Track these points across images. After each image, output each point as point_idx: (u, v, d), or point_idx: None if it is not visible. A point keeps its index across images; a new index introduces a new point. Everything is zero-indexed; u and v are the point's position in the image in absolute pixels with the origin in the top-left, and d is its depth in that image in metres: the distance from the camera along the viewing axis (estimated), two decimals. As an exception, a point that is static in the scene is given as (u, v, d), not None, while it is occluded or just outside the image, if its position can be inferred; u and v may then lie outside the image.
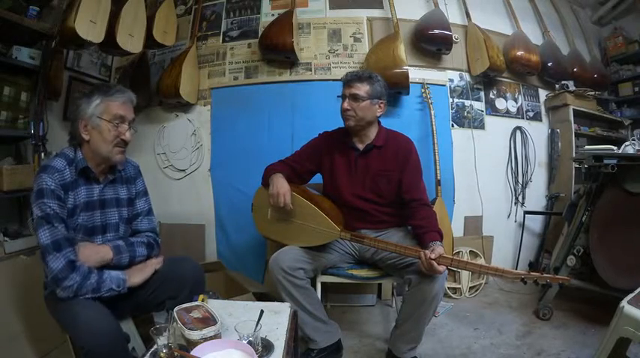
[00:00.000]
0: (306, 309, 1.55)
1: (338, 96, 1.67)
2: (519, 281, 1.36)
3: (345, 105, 1.60)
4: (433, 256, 1.34)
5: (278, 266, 1.51)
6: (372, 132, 1.68)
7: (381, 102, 1.64)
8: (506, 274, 1.34)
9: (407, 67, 2.32)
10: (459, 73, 2.67)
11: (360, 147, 1.68)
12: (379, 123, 1.72)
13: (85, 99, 1.21)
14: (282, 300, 1.51)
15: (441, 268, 1.35)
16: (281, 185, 1.58)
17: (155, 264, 1.32)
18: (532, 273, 1.32)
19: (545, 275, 1.32)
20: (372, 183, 1.65)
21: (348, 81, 1.62)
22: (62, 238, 1.11)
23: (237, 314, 1.21)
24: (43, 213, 1.11)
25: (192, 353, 0.90)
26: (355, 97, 1.58)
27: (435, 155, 2.37)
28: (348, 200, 1.67)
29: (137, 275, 1.25)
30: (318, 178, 1.84)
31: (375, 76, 1.64)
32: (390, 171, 1.64)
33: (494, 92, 2.77)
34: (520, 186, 2.77)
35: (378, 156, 1.66)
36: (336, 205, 1.69)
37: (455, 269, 1.86)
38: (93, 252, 1.19)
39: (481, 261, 2.48)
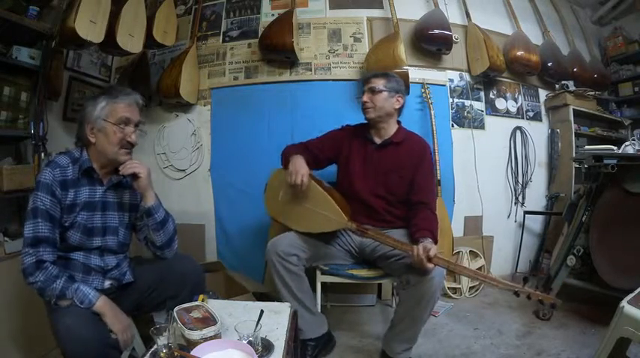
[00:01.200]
0: (295, 296, 1.57)
1: (357, 98, 1.74)
2: (512, 294, 1.37)
3: (365, 98, 1.69)
4: (431, 253, 1.36)
5: (274, 249, 1.56)
6: (392, 128, 1.73)
7: (399, 96, 1.70)
8: (500, 285, 1.36)
9: (407, 67, 2.32)
10: (459, 73, 2.68)
11: (378, 141, 1.72)
12: (399, 122, 1.77)
13: (90, 102, 1.22)
14: (278, 293, 1.56)
15: (430, 265, 1.37)
16: (300, 165, 1.61)
17: (126, 339, 1.17)
18: (525, 288, 1.33)
19: (537, 292, 1.33)
20: (384, 178, 1.68)
21: (367, 78, 1.74)
22: (42, 236, 1.13)
23: (237, 314, 1.21)
24: (34, 206, 1.14)
25: (192, 353, 0.90)
26: (373, 90, 1.68)
27: (435, 155, 2.37)
28: (359, 193, 1.70)
29: (110, 315, 1.14)
30: (330, 174, 1.86)
31: (391, 74, 1.75)
32: (403, 169, 1.67)
33: (494, 92, 2.77)
34: (520, 186, 2.77)
35: (393, 152, 1.70)
36: (345, 198, 1.71)
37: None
38: (146, 166, 1.25)
39: (481, 261, 2.48)
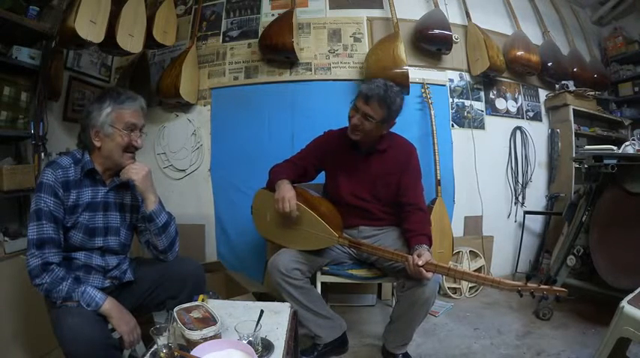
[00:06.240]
0: (307, 307, 1.59)
1: (351, 102, 1.60)
2: (515, 293, 1.33)
3: (355, 121, 1.55)
4: (420, 263, 1.36)
5: (275, 268, 1.55)
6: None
7: (392, 122, 1.61)
8: (502, 285, 1.32)
9: (407, 67, 2.32)
10: (459, 73, 2.68)
11: (363, 149, 1.69)
12: None
13: (95, 106, 1.21)
14: (282, 301, 1.52)
15: (429, 274, 1.37)
16: (287, 191, 1.56)
17: (132, 341, 1.17)
18: (529, 285, 1.28)
19: (542, 286, 1.28)
20: (371, 185, 1.67)
21: (368, 97, 1.52)
22: (47, 237, 1.12)
23: (237, 314, 1.21)
24: (37, 207, 1.13)
25: (192, 353, 0.90)
26: (367, 117, 1.53)
27: (435, 155, 2.38)
28: (347, 200, 1.69)
29: (117, 317, 1.14)
30: (319, 178, 1.85)
31: (395, 100, 1.53)
32: (389, 175, 1.65)
33: (494, 92, 2.77)
34: (520, 186, 2.77)
35: (379, 159, 1.67)
36: (336, 205, 1.69)
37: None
38: (144, 169, 1.25)
39: (481, 261, 2.48)
